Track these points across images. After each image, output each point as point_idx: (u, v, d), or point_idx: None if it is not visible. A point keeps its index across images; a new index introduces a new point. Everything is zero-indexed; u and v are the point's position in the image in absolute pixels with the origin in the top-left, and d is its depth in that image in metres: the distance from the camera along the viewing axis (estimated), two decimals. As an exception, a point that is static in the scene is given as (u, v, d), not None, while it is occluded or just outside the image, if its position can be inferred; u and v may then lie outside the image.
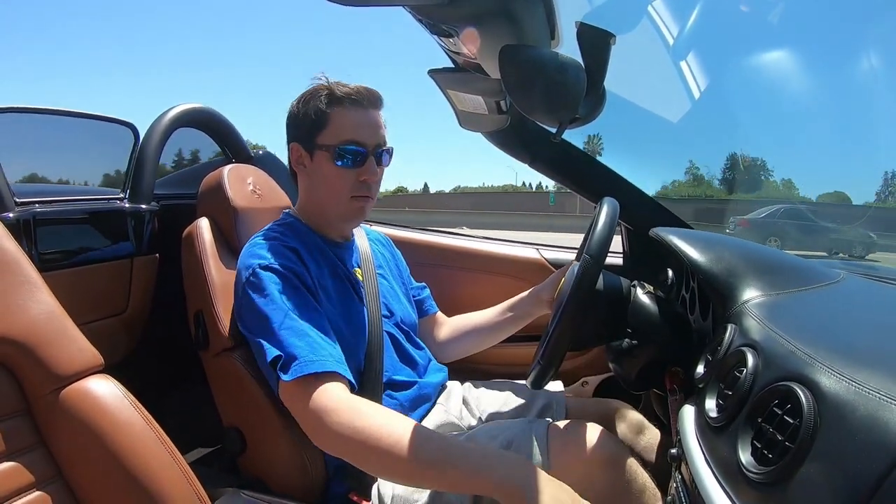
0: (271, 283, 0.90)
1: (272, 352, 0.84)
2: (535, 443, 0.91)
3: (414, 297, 1.26)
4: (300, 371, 0.82)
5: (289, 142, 1.04)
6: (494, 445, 0.93)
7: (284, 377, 0.83)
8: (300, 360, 0.83)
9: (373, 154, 1.01)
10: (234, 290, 0.99)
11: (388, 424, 0.79)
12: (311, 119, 1.00)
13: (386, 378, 1.01)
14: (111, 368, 0.77)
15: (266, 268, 0.91)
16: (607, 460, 0.89)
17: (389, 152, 1.05)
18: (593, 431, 0.93)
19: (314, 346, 0.85)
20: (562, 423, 0.96)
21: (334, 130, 0.99)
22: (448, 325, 1.30)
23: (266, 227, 1.04)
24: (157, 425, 0.74)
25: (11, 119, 1.25)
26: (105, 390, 0.72)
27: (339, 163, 0.99)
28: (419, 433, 0.78)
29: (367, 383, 0.98)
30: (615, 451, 0.91)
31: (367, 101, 1.01)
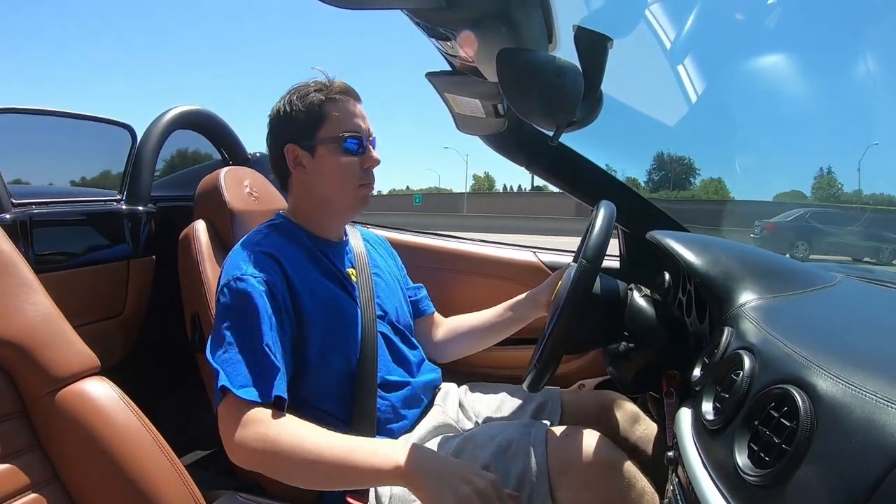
0: (240, 298, 0.90)
1: (222, 379, 0.85)
2: (534, 446, 0.91)
3: (410, 297, 1.26)
4: (231, 391, 0.83)
5: (280, 145, 1.03)
6: (492, 446, 0.93)
7: (222, 399, 0.85)
8: (234, 383, 0.84)
9: (368, 142, 1.04)
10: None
11: (297, 434, 0.82)
12: (308, 116, 1.00)
13: (379, 379, 1.01)
14: (107, 371, 0.77)
15: (239, 280, 0.91)
16: (606, 464, 0.89)
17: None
18: (591, 436, 0.93)
19: (254, 370, 0.85)
20: (561, 427, 0.97)
21: (335, 123, 1.01)
22: (444, 326, 1.30)
23: (252, 231, 1.04)
24: (153, 428, 0.74)
25: (7, 120, 1.25)
26: (101, 392, 0.72)
27: (347, 148, 1.01)
28: (321, 438, 0.82)
29: (360, 385, 0.98)
30: (614, 455, 0.91)
31: (354, 94, 1.05)
